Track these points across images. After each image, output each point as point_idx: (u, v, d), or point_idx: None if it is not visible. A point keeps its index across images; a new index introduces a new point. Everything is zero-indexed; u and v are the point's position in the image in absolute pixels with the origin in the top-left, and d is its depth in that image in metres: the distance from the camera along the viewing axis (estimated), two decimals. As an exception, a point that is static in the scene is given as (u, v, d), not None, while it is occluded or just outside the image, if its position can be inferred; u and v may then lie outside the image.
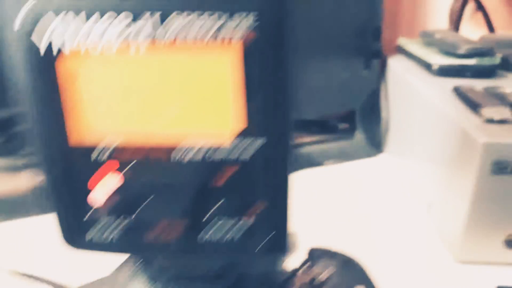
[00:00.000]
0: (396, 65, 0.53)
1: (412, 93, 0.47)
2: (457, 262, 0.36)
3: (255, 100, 0.11)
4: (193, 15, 0.10)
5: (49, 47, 0.10)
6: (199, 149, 0.12)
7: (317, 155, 0.56)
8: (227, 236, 0.14)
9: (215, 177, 0.13)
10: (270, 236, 0.14)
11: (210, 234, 0.14)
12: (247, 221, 0.14)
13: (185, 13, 0.10)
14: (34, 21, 0.10)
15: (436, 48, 0.50)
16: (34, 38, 0.10)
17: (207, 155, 0.12)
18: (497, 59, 0.47)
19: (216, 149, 0.12)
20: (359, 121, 0.58)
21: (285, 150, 0.13)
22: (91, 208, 0.14)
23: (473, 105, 0.37)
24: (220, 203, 0.13)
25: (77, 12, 0.10)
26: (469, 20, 0.65)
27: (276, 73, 0.11)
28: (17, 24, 0.10)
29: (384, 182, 0.50)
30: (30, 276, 0.31)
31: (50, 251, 0.36)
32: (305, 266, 0.21)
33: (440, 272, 0.35)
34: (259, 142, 0.12)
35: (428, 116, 0.43)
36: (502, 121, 0.34)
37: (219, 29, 0.10)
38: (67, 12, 0.10)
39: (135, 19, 0.10)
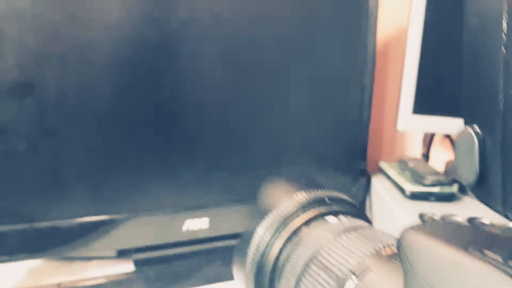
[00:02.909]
0: (378, 185, 0.67)
1: (389, 213, 0.60)
2: None
3: None
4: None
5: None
6: None
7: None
8: None
9: None
10: None
11: None
12: None
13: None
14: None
15: (409, 174, 0.64)
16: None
17: None
18: (454, 188, 0.61)
19: None
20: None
21: None
22: None
23: (431, 232, 0.50)
24: None
25: None
26: (439, 144, 0.80)
27: None
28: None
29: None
30: None
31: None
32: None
33: None
34: None
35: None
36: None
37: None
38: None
39: None
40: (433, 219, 0.53)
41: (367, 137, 0.67)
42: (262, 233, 0.30)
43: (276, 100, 0.59)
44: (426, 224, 0.20)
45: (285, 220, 0.30)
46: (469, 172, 0.17)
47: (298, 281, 0.27)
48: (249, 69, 0.56)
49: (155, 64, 0.51)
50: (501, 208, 0.16)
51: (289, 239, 0.29)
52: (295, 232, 0.29)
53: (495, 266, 0.14)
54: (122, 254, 0.61)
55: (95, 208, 0.53)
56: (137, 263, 0.57)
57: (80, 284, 0.55)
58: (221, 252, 0.58)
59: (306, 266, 0.27)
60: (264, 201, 0.33)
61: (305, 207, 0.31)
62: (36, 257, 0.52)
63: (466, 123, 0.17)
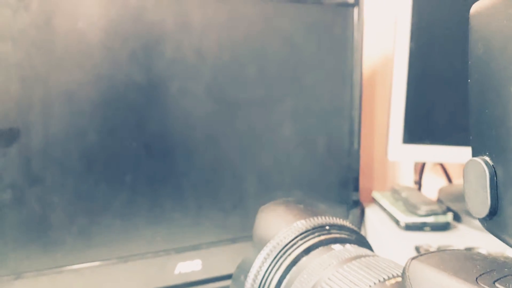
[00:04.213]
0: (372, 216, 0.66)
1: (385, 245, 0.59)
2: None
3: None
4: None
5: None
6: None
7: None
8: None
9: None
10: None
11: None
12: None
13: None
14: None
15: (402, 204, 0.63)
16: None
17: None
18: (449, 217, 0.60)
19: None
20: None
21: None
22: None
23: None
24: None
25: None
26: (431, 171, 0.79)
27: None
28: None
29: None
30: None
31: None
32: None
33: None
34: None
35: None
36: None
37: None
38: None
39: None
40: (428, 251, 0.52)
41: (358, 168, 0.66)
42: (260, 263, 0.29)
43: (265, 135, 0.58)
44: (432, 254, 0.19)
45: (284, 250, 0.29)
46: (481, 206, 0.16)
47: None
48: (237, 105, 0.56)
49: (142, 106, 0.51)
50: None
51: (288, 269, 0.28)
52: (295, 261, 0.28)
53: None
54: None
55: (85, 255, 0.51)
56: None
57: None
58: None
59: None
60: (261, 229, 0.32)
61: (304, 235, 0.29)
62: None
63: (475, 154, 0.16)
